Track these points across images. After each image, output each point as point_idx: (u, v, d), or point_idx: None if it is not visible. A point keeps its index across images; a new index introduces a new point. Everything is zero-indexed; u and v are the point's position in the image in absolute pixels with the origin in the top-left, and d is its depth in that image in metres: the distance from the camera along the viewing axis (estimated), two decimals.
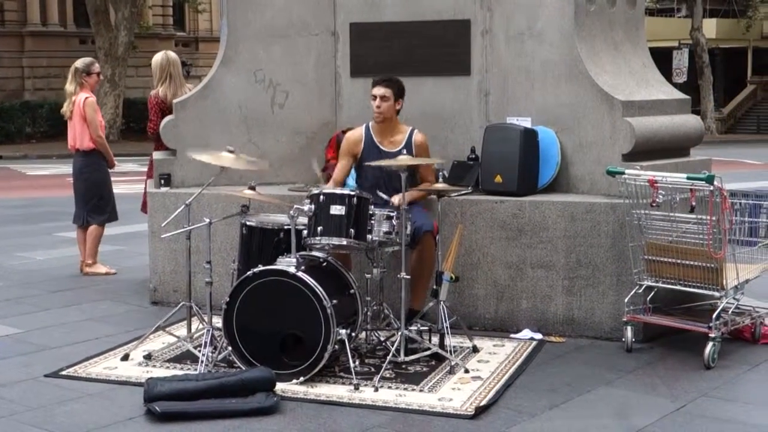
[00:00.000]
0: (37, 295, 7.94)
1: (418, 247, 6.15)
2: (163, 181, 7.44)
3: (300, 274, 5.45)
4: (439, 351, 5.87)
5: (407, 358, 5.79)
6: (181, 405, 5.02)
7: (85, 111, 8.49)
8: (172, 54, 8.53)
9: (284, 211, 5.99)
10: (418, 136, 6.38)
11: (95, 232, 8.70)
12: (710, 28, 42.56)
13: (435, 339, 5.98)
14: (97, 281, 8.42)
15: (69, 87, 8.64)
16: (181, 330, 6.35)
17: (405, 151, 6.20)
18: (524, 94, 7.03)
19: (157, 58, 8.40)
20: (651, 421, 4.96)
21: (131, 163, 19.80)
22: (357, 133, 6.47)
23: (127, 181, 16.10)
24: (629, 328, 6.14)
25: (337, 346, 5.47)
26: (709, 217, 5.79)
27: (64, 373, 5.74)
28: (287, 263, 5.55)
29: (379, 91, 6.30)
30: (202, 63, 33.53)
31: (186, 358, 5.96)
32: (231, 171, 6.46)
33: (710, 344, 5.83)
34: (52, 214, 12.94)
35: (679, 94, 7.36)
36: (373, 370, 5.68)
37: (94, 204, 8.69)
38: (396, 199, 5.98)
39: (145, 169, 8.64)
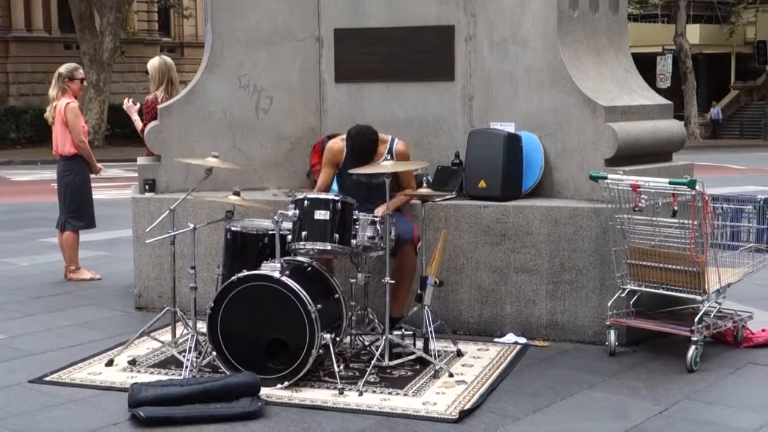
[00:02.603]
0: (21, 300, 7.92)
1: (398, 257, 6.15)
2: (147, 187, 7.43)
3: (284, 278, 5.46)
4: (424, 355, 5.88)
5: (391, 363, 5.80)
6: (166, 410, 5.01)
7: (66, 116, 8.45)
8: (168, 59, 8.51)
9: (269, 217, 5.99)
10: (399, 146, 6.35)
11: (70, 239, 8.65)
12: (694, 33, 42.87)
13: (419, 343, 6.00)
14: (81, 287, 8.41)
15: (51, 92, 8.59)
16: (165, 335, 6.34)
17: (389, 157, 6.19)
18: (508, 99, 7.06)
19: (155, 62, 8.35)
20: (634, 424, 4.99)
21: (116, 168, 19.77)
22: (339, 144, 6.39)
23: (112, 187, 16.10)
24: (612, 331, 6.17)
25: (321, 351, 5.48)
26: (691, 222, 5.83)
27: (48, 378, 5.73)
28: (271, 268, 5.55)
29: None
30: (188, 68, 33.43)
31: (171, 363, 5.95)
32: (215, 176, 6.46)
33: (693, 347, 5.86)
34: (36, 219, 12.90)
35: (661, 100, 7.41)
36: (357, 374, 5.69)
37: (74, 209, 8.65)
38: (380, 211, 5.96)
39: (132, 174, 8.62)
